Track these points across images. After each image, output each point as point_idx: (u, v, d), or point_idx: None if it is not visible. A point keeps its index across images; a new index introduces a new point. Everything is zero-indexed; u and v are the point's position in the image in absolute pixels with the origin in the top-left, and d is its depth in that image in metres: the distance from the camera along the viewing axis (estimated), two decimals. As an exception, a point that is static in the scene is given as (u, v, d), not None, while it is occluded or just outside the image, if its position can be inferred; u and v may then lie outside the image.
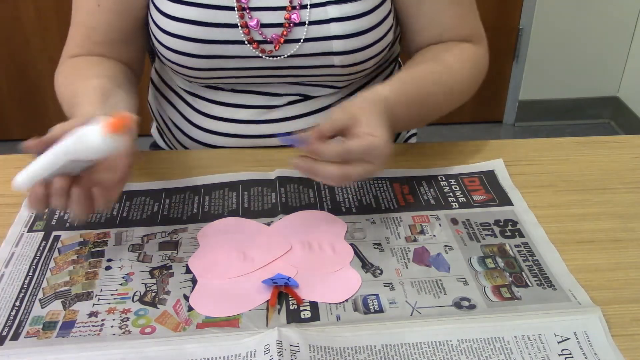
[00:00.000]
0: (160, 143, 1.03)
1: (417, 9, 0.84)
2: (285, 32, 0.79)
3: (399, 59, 1.00)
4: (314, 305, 0.61)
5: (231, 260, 0.67)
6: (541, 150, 0.86)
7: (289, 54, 0.81)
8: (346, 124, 0.65)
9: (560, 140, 0.89)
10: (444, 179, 0.80)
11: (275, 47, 0.80)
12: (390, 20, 0.83)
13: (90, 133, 0.55)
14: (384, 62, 0.92)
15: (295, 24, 0.79)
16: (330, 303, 0.62)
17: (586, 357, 0.56)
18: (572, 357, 0.56)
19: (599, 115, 2.62)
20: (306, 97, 0.86)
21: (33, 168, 0.60)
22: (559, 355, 0.56)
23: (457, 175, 0.81)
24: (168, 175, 0.81)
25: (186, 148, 0.94)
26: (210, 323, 0.60)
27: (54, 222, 0.73)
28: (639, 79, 2.46)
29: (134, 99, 0.80)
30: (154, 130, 1.05)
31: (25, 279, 0.65)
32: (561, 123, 2.62)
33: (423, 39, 0.86)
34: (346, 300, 0.62)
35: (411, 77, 0.79)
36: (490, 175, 0.81)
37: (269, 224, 0.72)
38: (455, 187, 0.78)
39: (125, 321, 0.60)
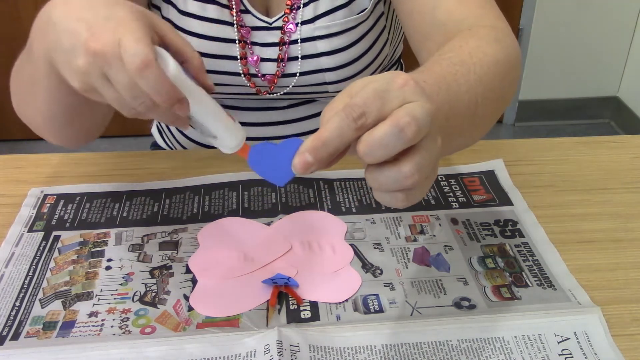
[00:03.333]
0: (160, 143, 1.03)
1: None
2: (279, 73, 0.80)
3: (401, 60, 1.00)
4: (314, 305, 0.61)
5: (231, 260, 0.67)
6: (541, 150, 0.86)
7: (283, 92, 0.82)
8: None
9: (560, 140, 0.89)
10: (444, 179, 0.80)
11: (270, 87, 0.82)
12: (384, 37, 0.84)
13: (228, 138, 0.53)
14: (387, 64, 0.92)
15: (289, 59, 0.80)
16: (330, 303, 0.62)
17: (586, 357, 0.56)
18: (572, 357, 0.56)
19: (599, 115, 2.62)
20: (308, 100, 0.87)
21: (190, 84, 0.52)
22: (559, 355, 0.56)
23: (457, 175, 0.81)
24: (168, 175, 0.80)
25: (186, 149, 0.94)
26: (210, 323, 0.60)
27: (54, 222, 0.73)
28: (639, 79, 2.46)
29: None
30: (154, 130, 1.05)
31: (25, 279, 0.65)
32: (561, 123, 2.62)
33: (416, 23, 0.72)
34: (346, 300, 0.62)
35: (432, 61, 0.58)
36: (490, 175, 0.81)
37: (269, 224, 0.72)
38: (455, 187, 0.78)
39: (125, 321, 0.60)
